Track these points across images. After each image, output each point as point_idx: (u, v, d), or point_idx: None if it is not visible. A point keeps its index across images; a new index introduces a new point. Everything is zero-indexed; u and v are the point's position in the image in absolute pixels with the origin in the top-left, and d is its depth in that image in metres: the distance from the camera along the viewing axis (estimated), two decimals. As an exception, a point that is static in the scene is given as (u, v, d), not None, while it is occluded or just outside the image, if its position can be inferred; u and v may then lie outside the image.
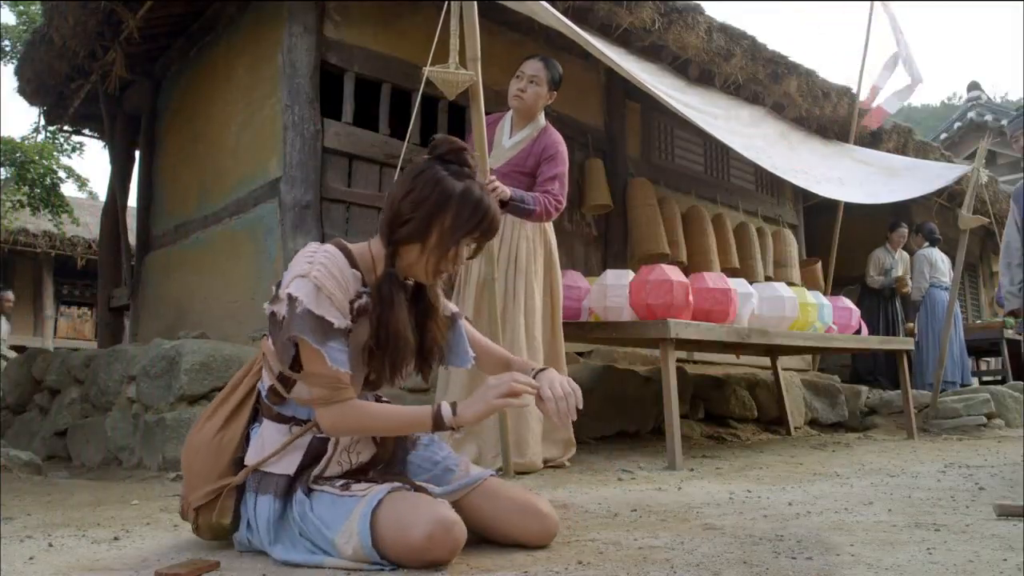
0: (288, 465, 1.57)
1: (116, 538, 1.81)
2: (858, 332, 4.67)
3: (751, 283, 4.09)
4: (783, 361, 5.35)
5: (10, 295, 8.71)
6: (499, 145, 3.32)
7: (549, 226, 3.35)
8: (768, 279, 6.14)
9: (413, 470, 1.72)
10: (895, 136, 7.11)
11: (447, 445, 1.84)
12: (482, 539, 1.64)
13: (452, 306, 1.80)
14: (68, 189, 9.00)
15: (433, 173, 1.54)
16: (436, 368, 1.74)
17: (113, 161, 6.27)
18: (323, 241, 4.50)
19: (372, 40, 4.45)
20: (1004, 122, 11.95)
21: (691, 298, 3.53)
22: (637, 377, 4.57)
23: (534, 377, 1.62)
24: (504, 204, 3.05)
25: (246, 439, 1.65)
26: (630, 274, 3.68)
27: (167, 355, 3.44)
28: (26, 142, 8.13)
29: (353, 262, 1.57)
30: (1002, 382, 7.50)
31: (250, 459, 1.61)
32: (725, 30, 5.16)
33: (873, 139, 6.90)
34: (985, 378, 9.40)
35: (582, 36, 3.45)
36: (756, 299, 3.97)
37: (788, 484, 2.64)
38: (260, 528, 1.56)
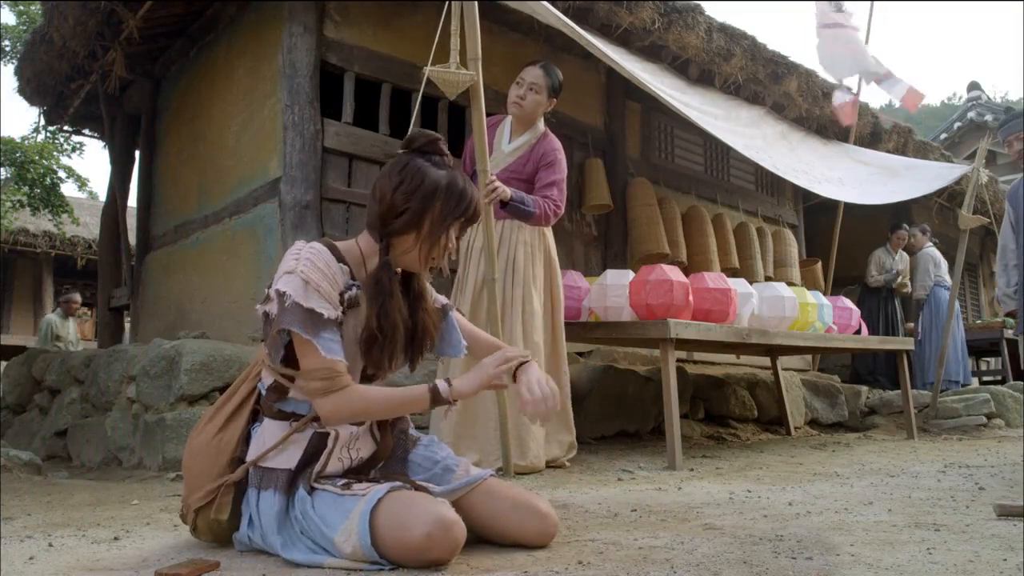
0: (289, 459, 1.58)
1: (116, 538, 1.81)
2: (858, 332, 4.67)
3: (751, 283, 4.09)
4: (783, 361, 5.35)
5: (77, 297, 8.80)
6: (498, 150, 3.32)
7: (548, 231, 3.34)
8: (768, 279, 6.14)
9: (413, 469, 1.72)
10: (895, 136, 7.11)
11: (447, 445, 1.84)
12: (481, 539, 1.64)
13: (442, 298, 1.86)
14: (68, 189, 9.02)
15: (418, 165, 1.61)
16: (424, 356, 1.77)
17: (113, 161, 6.27)
18: (323, 241, 4.49)
19: (372, 40, 4.45)
20: (994, 124, 11.95)
21: (691, 298, 3.53)
22: (637, 377, 4.57)
23: (517, 368, 1.67)
24: (504, 204, 3.04)
25: (246, 439, 1.66)
26: (630, 274, 3.68)
27: (167, 355, 3.44)
28: (26, 142, 8.13)
29: (340, 257, 1.61)
30: (1002, 382, 7.51)
31: (251, 456, 1.62)
32: (725, 30, 5.16)
33: (873, 139, 6.90)
34: (985, 378, 9.40)
35: (582, 36, 3.45)
36: (756, 299, 3.97)
37: (788, 484, 2.64)
38: (264, 523, 1.56)
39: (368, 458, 1.68)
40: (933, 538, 1.64)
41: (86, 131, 7.12)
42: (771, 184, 7.09)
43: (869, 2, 6.57)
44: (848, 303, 4.63)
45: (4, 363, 6.43)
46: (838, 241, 6.58)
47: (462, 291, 3.22)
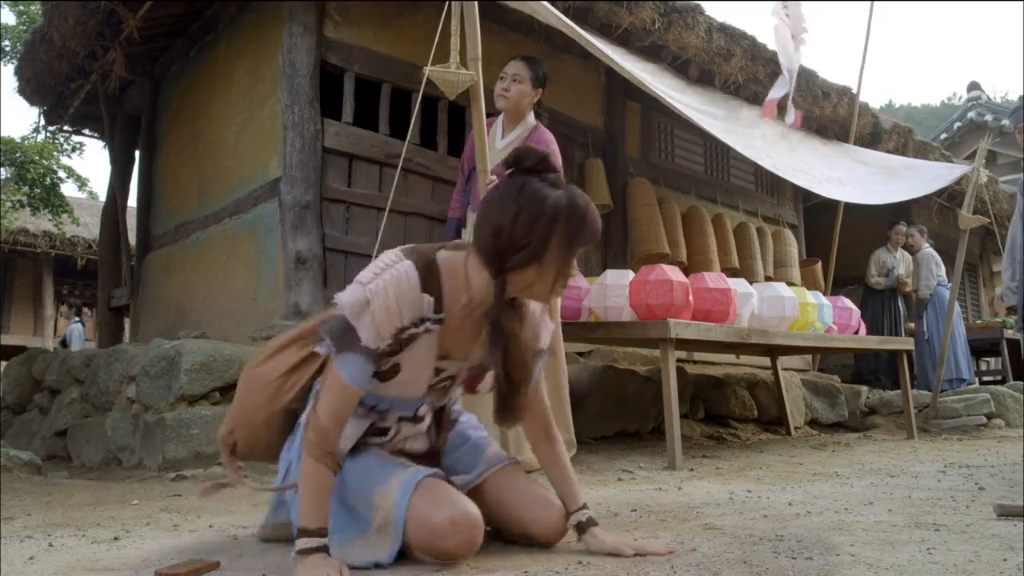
0: (344, 441, 1.54)
1: (116, 538, 1.81)
2: (857, 332, 4.67)
3: (751, 283, 4.09)
4: (783, 361, 5.36)
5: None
6: (492, 147, 3.32)
7: None
8: (768, 279, 6.14)
9: (447, 448, 1.75)
10: (895, 136, 7.11)
11: (481, 426, 1.85)
12: (491, 525, 1.65)
13: (546, 338, 1.66)
14: (68, 189, 9.02)
15: (535, 189, 1.43)
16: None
17: (113, 161, 6.27)
18: (323, 241, 4.46)
19: (372, 40, 4.45)
20: (1005, 122, 11.95)
21: (691, 298, 3.53)
22: (637, 377, 4.57)
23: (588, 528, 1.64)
24: None
25: (305, 394, 1.65)
26: (630, 274, 3.68)
27: (167, 355, 3.44)
28: (26, 142, 8.14)
29: (429, 285, 1.48)
30: (1002, 382, 7.50)
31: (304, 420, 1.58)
32: (725, 30, 5.16)
33: (873, 139, 6.90)
34: (985, 378, 9.40)
35: (582, 36, 3.45)
36: (756, 299, 3.97)
37: (788, 484, 2.64)
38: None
39: (420, 454, 1.69)
40: (933, 538, 1.64)
41: (86, 131, 7.12)
42: (771, 184, 7.08)
43: (869, 2, 6.58)
44: (848, 303, 4.63)
45: (4, 363, 6.43)
46: (838, 241, 6.58)
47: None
